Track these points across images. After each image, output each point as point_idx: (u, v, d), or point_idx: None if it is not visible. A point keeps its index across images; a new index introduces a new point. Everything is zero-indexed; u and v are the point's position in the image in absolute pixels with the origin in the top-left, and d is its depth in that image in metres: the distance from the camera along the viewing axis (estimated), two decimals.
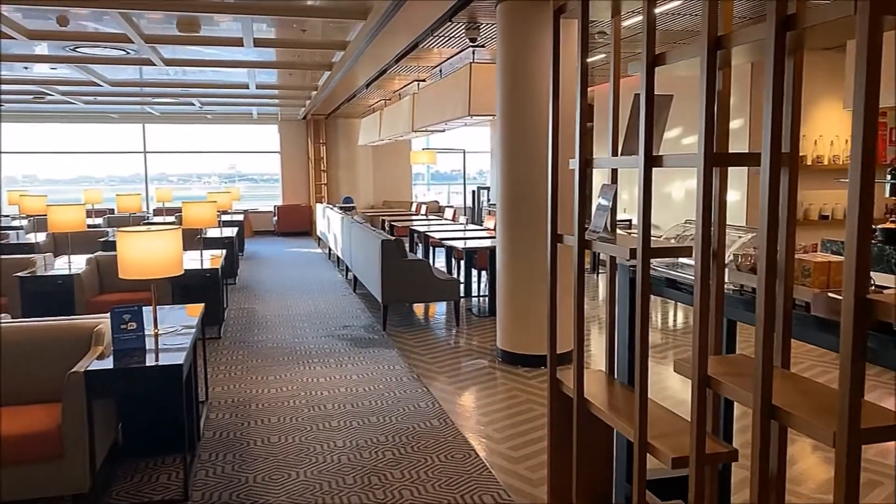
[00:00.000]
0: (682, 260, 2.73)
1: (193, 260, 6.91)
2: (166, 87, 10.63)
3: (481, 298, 8.34)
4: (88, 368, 3.12)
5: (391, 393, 4.87)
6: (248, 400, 4.77)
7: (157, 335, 3.76)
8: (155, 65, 8.07)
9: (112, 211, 12.40)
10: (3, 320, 3.61)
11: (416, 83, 9.81)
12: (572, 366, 2.64)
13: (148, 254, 3.69)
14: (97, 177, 19.13)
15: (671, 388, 5.02)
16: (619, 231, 2.72)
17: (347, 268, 9.45)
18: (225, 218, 12.27)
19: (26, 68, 8.65)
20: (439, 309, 7.80)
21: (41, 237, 8.95)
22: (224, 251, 7.60)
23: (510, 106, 5.52)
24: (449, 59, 8.14)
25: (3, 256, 7.00)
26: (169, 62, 8.15)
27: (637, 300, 2.24)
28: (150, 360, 3.33)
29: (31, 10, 5.77)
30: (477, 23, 6.27)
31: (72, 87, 10.52)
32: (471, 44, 7.03)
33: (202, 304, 4.54)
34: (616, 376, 2.88)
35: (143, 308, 3.65)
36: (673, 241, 2.92)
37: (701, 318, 1.97)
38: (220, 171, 20.80)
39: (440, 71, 8.78)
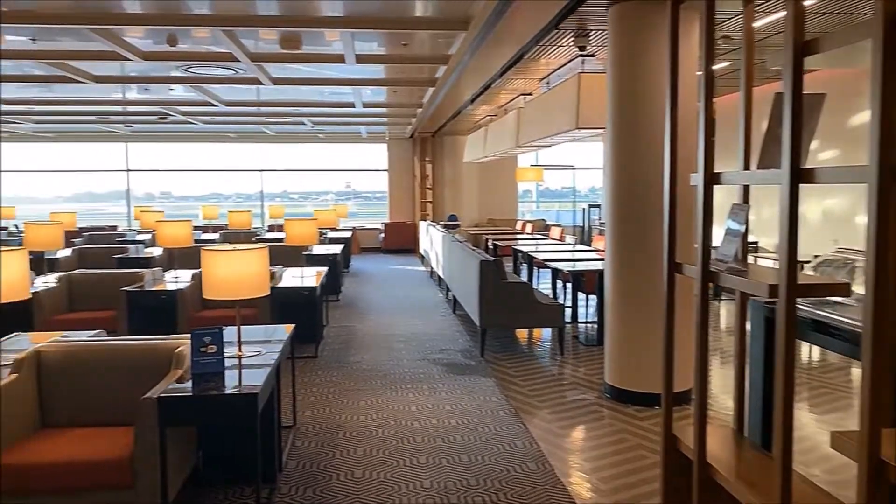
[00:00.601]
0: (836, 298, 2.22)
1: (295, 277, 6.87)
2: (277, 106, 10.87)
3: (589, 325, 7.83)
4: (162, 394, 2.98)
5: (485, 428, 4.51)
6: (337, 427, 4.55)
7: (240, 358, 3.60)
8: (262, 83, 8.19)
9: (226, 227, 12.81)
10: (87, 339, 3.57)
11: (521, 97, 9.48)
12: (693, 420, 2.19)
13: (233, 273, 3.54)
14: (225, 193, 20.05)
15: (814, 447, 4.35)
16: (750, 259, 2.25)
17: (448, 287, 9.20)
18: (332, 235, 12.42)
19: (146, 89, 9.04)
20: (543, 335, 7.37)
21: (158, 252, 9.29)
22: (326, 268, 7.53)
23: (621, 117, 5.07)
24: (556, 70, 7.75)
25: (116, 270, 7.24)
26: (276, 81, 8.25)
27: (777, 346, 1.78)
28: (228, 386, 3.15)
29: (146, 30, 5.92)
30: (586, 29, 5.86)
31: (191, 108, 10.96)
32: (579, 52, 6.62)
33: (292, 325, 4.38)
34: (746, 434, 2.39)
35: (227, 328, 3.51)
36: (816, 271, 2.41)
37: (872, 379, 1.49)
38: (337, 188, 21.34)
39: (547, 83, 8.40)
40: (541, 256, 8.27)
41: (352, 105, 10.65)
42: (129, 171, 16.43)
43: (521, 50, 6.74)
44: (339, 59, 6.89)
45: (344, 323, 8.02)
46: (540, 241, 10.68)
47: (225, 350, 3.49)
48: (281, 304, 6.54)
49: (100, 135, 15.46)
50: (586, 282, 7.53)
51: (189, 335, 3.32)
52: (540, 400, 5.13)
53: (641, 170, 4.93)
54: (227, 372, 3.33)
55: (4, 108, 10.89)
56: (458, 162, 15.87)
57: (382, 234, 16.52)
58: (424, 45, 6.77)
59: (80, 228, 13.65)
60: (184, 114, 11.66)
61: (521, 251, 9.42)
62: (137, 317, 6.01)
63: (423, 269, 13.22)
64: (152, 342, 3.57)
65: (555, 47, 6.63)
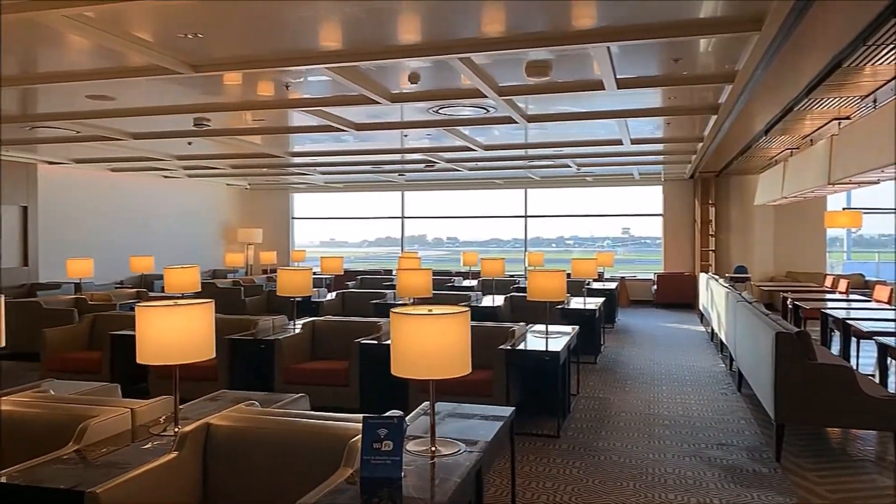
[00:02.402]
0: None
1: (538, 336, 5.95)
2: (535, 147, 10.21)
3: None
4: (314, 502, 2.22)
5: None
6: None
7: (433, 457, 2.75)
8: (516, 122, 7.53)
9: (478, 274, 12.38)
10: (260, 414, 2.99)
11: (835, 122, 7.54)
12: None
13: (420, 344, 2.72)
14: (503, 238, 20.05)
15: None
16: None
17: (731, 356, 7.52)
18: (596, 286, 11.31)
19: (405, 135, 8.97)
20: (866, 436, 5.43)
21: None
22: (577, 328, 6.50)
23: None
24: (888, 82, 5.88)
25: (355, 319, 7.00)
26: (530, 118, 7.54)
27: None
28: None
29: (383, 68, 5.59)
30: None
31: (454, 154, 10.80)
32: None
33: (510, 410, 3.44)
34: None
35: (407, 418, 2.69)
36: None
37: None
38: (614, 234, 20.19)
39: (874, 100, 6.48)
40: (863, 326, 6.28)
41: (619, 142, 9.56)
42: (403, 217, 17.13)
43: (838, 56, 5.12)
44: (598, 85, 5.92)
45: (598, 393, 6.85)
46: (858, 303, 8.41)
47: (408, 445, 2.68)
48: (518, 370, 5.66)
49: (379, 184, 16.34)
50: None
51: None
52: None
53: None
54: (405, 483, 2.48)
55: (299, 160, 11.82)
56: (747, 204, 13.74)
57: (655, 286, 14.90)
58: (703, 59, 5.51)
59: (354, 272, 14.36)
60: (448, 160, 11.59)
61: (834, 316, 7.38)
62: (367, 370, 5.57)
63: (701, 329, 11.42)
64: (328, 425, 2.88)
65: (889, 48, 4.91)
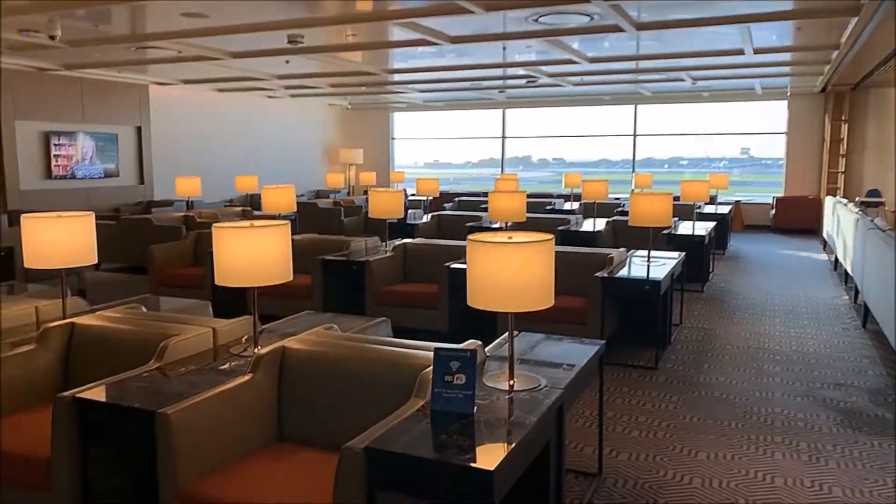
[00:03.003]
0: None
1: (639, 265, 5.60)
2: (647, 59, 9.45)
3: None
4: (370, 443, 2.10)
5: None
6: (656, 488, 3.25)
7: (511, 390, 2.58)
8: (624, 31, 6.91)
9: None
10: (338, 338, 2.90)
11: None
12: None
13: (497, 274, 2.51)
14: (612, 159, 19.18)
15: None
16: None
17: (857, 288, 6.86)
18: (708, 209, 10.63)
19: (504, 48, 8.50)
20: None
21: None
22: (682, 255, 6.08)
23: None
24: None
25: (445, 242, 6.85)
26: (640, 26, 6.89)
27: None
28: (460, 446, 2.15)
29: None
30: None
31: (556, 68, 10.22)
32: None
33: (600, 344, 3.21)
34: None
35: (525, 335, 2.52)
36: None
37: None
38: (731, 154, 18.87)
39: None
40: None
41: (740, 52, 8.66)
42: (504, 137, 16.67)
43: None
44: None
45: (703, 323, 6.44)
46: None
47: (484, 378, 2.53)
48: (616, 299, 5.36)
49: (479, 103, 15.88)
50: None
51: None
52: None
53: None
54: (477, 418, 2.33)
55: (398, 77, 11.60)
56: (886, 121, 12.34)
57: (773, 210, 13.87)
58: None
59: (452, 194, 14.20)
60: (551, 76, 11.00)
61: None
62: (455, 295, 5.44)
63: (823, 257, 10.54)
64: (402, 353, 2.75)
65: None
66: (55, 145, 10.32)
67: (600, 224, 8.63)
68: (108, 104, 11.12)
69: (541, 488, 2.60)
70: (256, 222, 3.01)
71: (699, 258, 7.97)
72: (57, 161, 10.38)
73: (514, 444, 2.14)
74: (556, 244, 6.48)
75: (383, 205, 6.29)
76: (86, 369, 3.15)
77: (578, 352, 3.13)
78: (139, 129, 11.70)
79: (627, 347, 5.46)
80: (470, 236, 2.59)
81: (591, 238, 8.05)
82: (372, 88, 13.19)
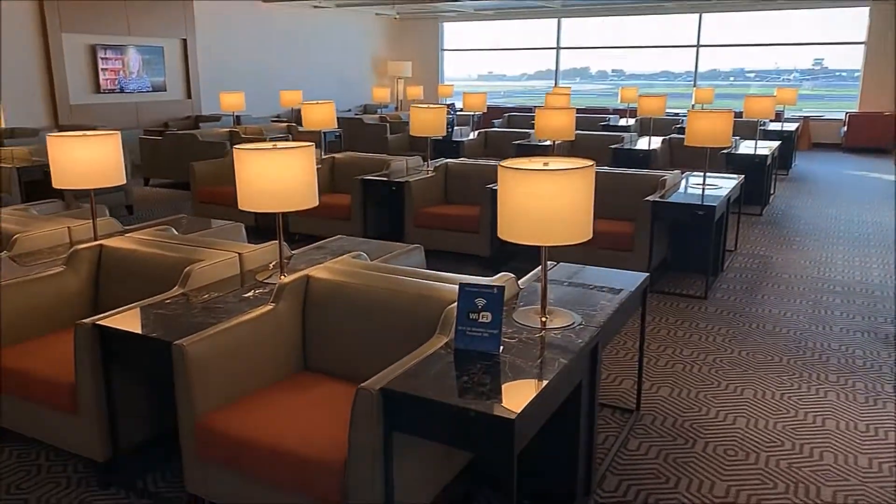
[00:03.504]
0: None
1: (693, 187, 5.28)
2: None
3: None
4: (387, 385, 1.99)
5: None
6: (696, 427, 3.10)
7: (543, 327, 2.43)
8: None
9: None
10: (361, 268, 2.77)
11: None
12: None
13: (529, 205, 2.31)
14: (675, 71, 18.16)
15: None
16: None
17: None
18: (773, 126, 10.00)
19: None
20: None
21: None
22: (742, 178, 5.71)
23: None
24: None
25: (486, 163, 6.59)
26: None
27: None
28: (480, 389, 2.02)
29: None
30: None
31: None
32: None
33: (643, 277, 3.01)
34: None
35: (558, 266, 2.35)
36: None
37: None
38: (803, 66, 17.62)
39: None
40: None
41: None
42: (558, 48, 15.91)
43: None
44: None
45: (759, 250, 6.12)
46: None
47: (515, 314, 2.38)
48: (666, 224, 5.10)
49: (533, 11, 15.11)
50: None
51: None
52: None
53: None
54: (503, 358, 2.19)
55: None
56: None
57: (845, 128, 13.00)
58: None
59: (502, 109, 13.74)
60: None
61: None
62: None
63: None
64: (429, 286, 2.61)
65: None
66: (102, 59, 10.28)
67: (656, 142, 8.20)
68: (154, 16, 10.96)
69: (572, 424, 2.48)
70: (280, 144, 2.85)
71: (760, 179, 7.54)
72: (105, 74, 10.36)
73: (539, 390, 2.00)
74: (608, 164, 6.18)
75: (425, 122, 6.05)
76: (114, 292, 3.13)
77: (619, 285, 2.93)
78: (185, 41, 11.54)
79: (676, 275, 5.24)
80: (501, 163, 2.37)
81: (644, 157, 7.68)
82: None
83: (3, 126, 7.07)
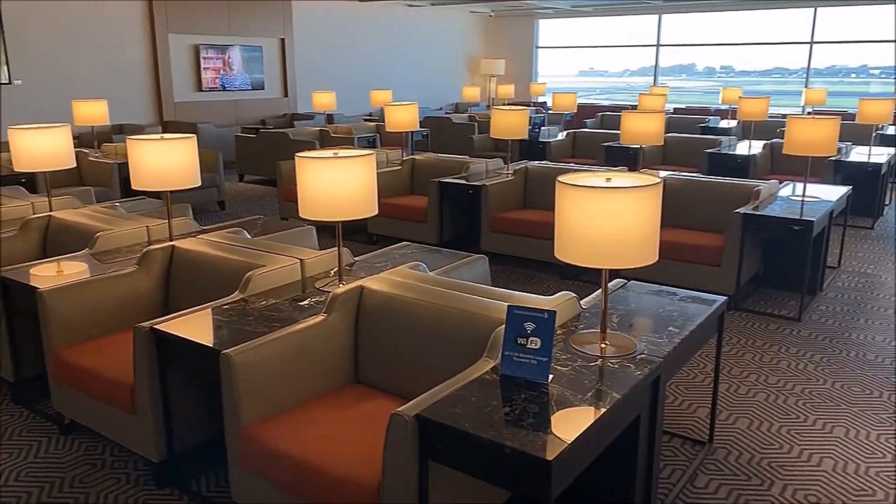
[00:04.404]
0: None
1: (792, 198, 4.91)
2: None
3: None
4: (422, 411, 1.91)
5: None
6: (776, 466, 2.84)
7: (601, 354, 2.27)
8: None
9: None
10: (418, 282, 2.69)
11: None
12: None
13: (588, 225, 2.15)
14: (791, 68, 17.13)
15: None
16: None
17: None
18: (892, 131, 9.21)
19: None
20: None
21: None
22: (849, 189, 5.27)
23: None
24: None
25: (555, 166, 6.39)
26: None
27: None
28: (522, 424, 1.90)
29: None
30: None
31: None
32: None
33: (720, 302, 2.79)
34: None
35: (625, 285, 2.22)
36: None
37: None
38: None
39: None
40: None
41: None
42: (658, 45, 15.31)
43: None
44: None
45: (866, 268, 5.62)
46: None
47: (572, 339, 2.24)
48: (758, 238, 4.77)
49: (633, 7, 14.61)
50: None
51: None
52: None
53: None
54: (551, 388, 2.06)
55: None
56: None
57: None
58: None
59: (596, 107, 13.36)
60: None
61: None
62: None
63: None
64: (482, 304, 2.50)
65: None
66: (204, 58, 10.74)
67: (757, 147, 7.72)
68: (254, 16, 11.34)
69: (631, 457, 2.32)
70: (341, 152, 2.83)
71: (873, 189, 6.95)
72: (206, 73, 10.81)
73: (584, 428, 1.85)
74: (702, 169, 5.81)
75: (507, 124, 5.92)
76: (182, 294, 3.21)
77: (693, 310, 2.73)
78: (283, 41, 11.89)
79: (768, 292, 4.89)
80: (560, 178, 2.23)
81: (742, 163, 7.24)
82: None
83: (109, 122, 7.47)
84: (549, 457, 1.71)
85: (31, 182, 5.76)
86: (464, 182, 5.66)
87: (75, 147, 6.82)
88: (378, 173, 3.04)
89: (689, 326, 2.55)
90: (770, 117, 8.94)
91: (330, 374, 2.60)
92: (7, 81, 8.70)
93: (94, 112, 7.16)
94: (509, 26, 16.46)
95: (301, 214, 2.87)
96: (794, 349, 4.03)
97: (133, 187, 3.46)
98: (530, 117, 8.35)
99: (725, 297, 2.88)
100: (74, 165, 4.11)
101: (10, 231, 3.87)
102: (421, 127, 10.09)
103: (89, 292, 3.04)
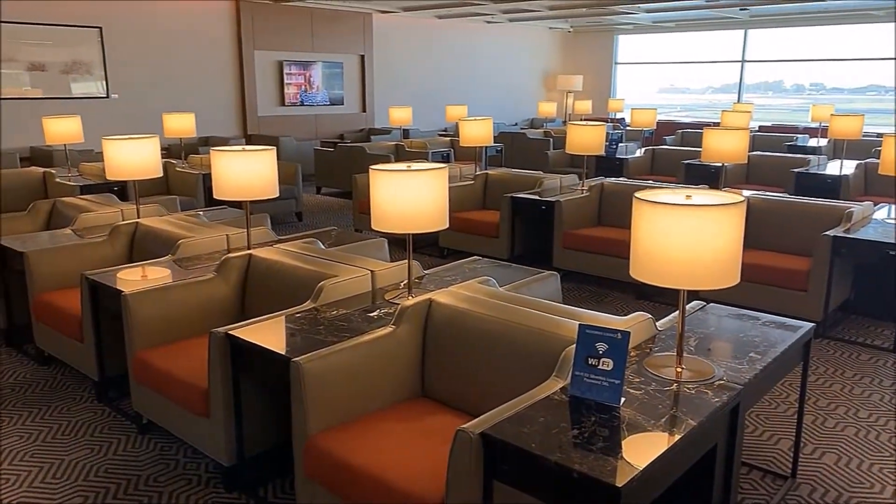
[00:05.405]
0: None
1: (888, 220, 4.62)
2: None
3: None
4: (488, 429, 1.87)
5: None
6: None
7: (676, 379, 2.18)
8: None
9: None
10: (502, 296, 2.66)
11: None
12: None
13: (665, 242, 2.07)
14: (853, 86, 16.35)
15: None
16: None
17: None
18: None
19: None
20: None
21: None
22: None
23: None
24: None
25: (634, 182, 6.21)
26: None
27: None
28: (600, 447, 1.83)
29: None
30: None
31: None
32: None
33: (807, 329, 2.63)
34: None
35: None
36: None
37: None
38: None
39: None
40: None
41: None
42: (743, 61, 14.83)
43: None
44: None
45: None
46: None
47: (646, 361, 2.16)
48: (849, 262, 4.51)
49: (716, 21, 14.21)
50: None
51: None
52: None
53: None
54: (622, 412, 1.98)
55: None
56: None
57: None
58: None
59: (676, 124, 13.03)
60: None
61: None
62: None
63: None
64: (552, 322, 2.44)
65: None
66: (287, 74, 11.09)
67: (849, 167, 7.33)
68: (335, 33, 11.64)
69: (707, 488, 2.21)
70: (414, 165, 2.84)
71: None
72: (289, 89, 11.16)
73: (657, 455, 1.77)
74: (788, 190, 5.56)
75: (583, 139, 5.83)
76: (258, 301, 3.28)
77: (777, 335, 2.58)
78: (362, 57, 12.14)
79: (860, 320, 4.61)
80: (637, 194, 2.16)
81: (833, 184, 6.88)
82: (594, 10, 12.34)
83: (196, 135, 7.79)
84: (619, 483, 1.64)
85: (122, 190, 6.06)
86: (537, 197, 5.60)
87: (164, 158, 7.17)
88: (451, 187, 3.04)
89: (771, 353, 2.42)
90: (864, 136, 8.49)
91: (396, 386, 2.59)
92: (105, 95, 9.23)
93: (182, 125, 7.48)
94: (588, 42, 16.31)
95: (373, 226, 2.89)
96: (887, 382, 3.77)
97: (215, 196, 3.57)
98: (607, 133, 8.20)
99: (812, 324, 2.72)
100: (161, 175, 4.29)
101: (100, 236, 4.07)
102: (495, 142, 10.09)
103: (170, 297, 3.15)
